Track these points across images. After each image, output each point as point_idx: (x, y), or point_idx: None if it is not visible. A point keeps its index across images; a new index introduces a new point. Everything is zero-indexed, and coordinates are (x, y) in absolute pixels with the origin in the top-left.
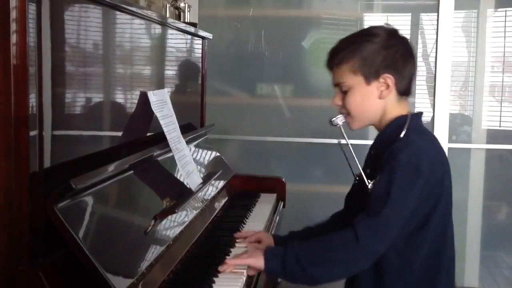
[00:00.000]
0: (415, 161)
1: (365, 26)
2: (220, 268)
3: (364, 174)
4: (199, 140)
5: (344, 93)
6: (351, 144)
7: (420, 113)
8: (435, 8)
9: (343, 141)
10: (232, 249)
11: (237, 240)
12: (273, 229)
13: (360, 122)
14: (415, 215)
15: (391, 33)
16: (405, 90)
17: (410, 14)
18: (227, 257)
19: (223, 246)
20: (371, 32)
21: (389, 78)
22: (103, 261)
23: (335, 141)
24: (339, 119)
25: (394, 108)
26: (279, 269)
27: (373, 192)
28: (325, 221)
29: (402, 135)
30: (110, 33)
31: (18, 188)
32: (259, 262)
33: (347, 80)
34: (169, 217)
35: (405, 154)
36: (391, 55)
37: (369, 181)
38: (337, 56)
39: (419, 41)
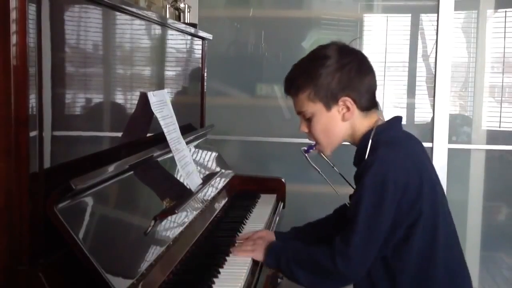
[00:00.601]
0: (381, 177)
1: (365, 27)
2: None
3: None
4: (199, 140)
5: (308, 120)
6: (322, 171)
7: (394, 120)
8: (435, 9)
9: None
10: (231, 250)
11: (237, 240)
12: (273, 229)
13: (330, 146)
14: (397, 228)
15: (343, 51)
16: (368, 105)
17: (410, 14)
18: (227, 257)
19: (223, 247)
20: (322, 54)
21: (347, 101)
22: (103, 261)
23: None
24: (309, 149)
25: (363, 123)
26: (275, 266)
27: (347, 213)
28: (327, 216)
29: (367, 151)
30: (110, 34)
31: (18, 189)
32: (259, 256)
33: (307, 109)
34: (169, 217)
35: (370, 174)
36: (345, 76)
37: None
38: (293, 86)
39: (419, 41)
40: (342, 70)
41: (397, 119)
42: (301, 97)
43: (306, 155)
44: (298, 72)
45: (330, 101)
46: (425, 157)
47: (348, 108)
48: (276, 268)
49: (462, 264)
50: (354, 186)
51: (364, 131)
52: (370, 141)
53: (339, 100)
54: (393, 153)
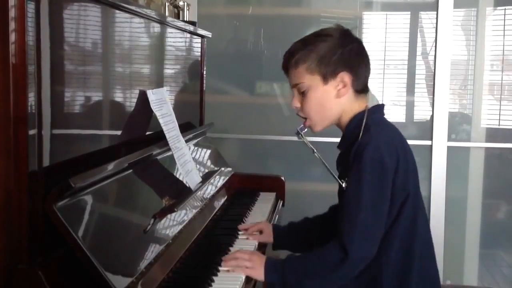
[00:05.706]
0: (378, 156)
1: (365, 25)
2: (223, 264)
3: (338, 173)
4: (198, 139)
5: (303, 94)
6: (316, 149)
7: (381, 105)
8: (435, 7)
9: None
10: (231, 248)
11: (239, 234)
12: None
13: (321, 123)
14: (391, 206)
15: (345, 33)
16: (361, 89)
17: (409, 12)
18: (226, 256)
19: (222, 245)
20: (325, 32)
21: (346, 76)
22: (103, 260)
23: (334, 139)
24: (303, 128)
25: (353, 105)
26: (280, 284)
27: (346, 195)
28: (323, 213)
29: (361, 131)
30: (109, 32)
31: (18, 187)
32: (258, 274)
33: (304, 81)
34: (169, 216)
35: (368, 151)
36: (346, 54)
37: (342, 180)
38: (294, 57)
39: (419, 39)
40: (343, 48)
41: (382, 105)
42: (300, 69)
43: (301, 133)
44: (299, 46)
45: (328, 75)
46: (405, 140)
47: (344, 85)
48: (281, 285)
49: (431, 245)
50: (336, 172)
51: (353, 114)
52: (364, 121)
53: (337, 75)
54: (384, 132)
